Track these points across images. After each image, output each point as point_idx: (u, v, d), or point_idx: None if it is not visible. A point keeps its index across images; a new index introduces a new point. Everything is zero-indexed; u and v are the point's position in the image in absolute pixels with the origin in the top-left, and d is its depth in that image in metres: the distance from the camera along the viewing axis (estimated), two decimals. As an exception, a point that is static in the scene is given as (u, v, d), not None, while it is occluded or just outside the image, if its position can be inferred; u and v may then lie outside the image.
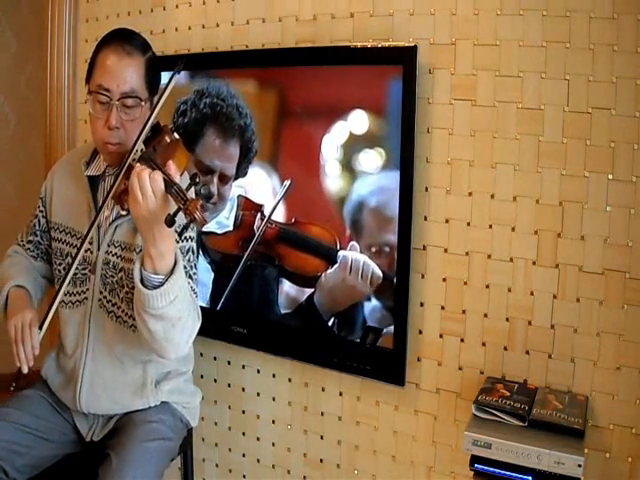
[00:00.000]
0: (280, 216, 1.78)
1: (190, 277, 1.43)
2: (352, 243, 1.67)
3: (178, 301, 1.28)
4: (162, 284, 1.26)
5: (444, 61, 1.56)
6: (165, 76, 1.37)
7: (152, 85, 1.45)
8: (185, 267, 1.40)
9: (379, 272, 1.64)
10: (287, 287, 1.79)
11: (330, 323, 1.73)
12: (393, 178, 1.58)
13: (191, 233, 1.46)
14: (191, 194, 1.17)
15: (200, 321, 1.43)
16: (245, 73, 1.82)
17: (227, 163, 1.84)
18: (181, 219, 1.17)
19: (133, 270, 1.29)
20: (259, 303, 1.84)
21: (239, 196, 1.84)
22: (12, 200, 3.02)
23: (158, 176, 1.20)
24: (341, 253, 1.68)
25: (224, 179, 1.85)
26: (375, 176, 1.63)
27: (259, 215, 1.80)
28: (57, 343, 1.60)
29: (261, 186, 1.80)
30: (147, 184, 1.19)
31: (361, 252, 1.66)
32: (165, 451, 1.49)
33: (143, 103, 1.42)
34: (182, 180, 1.24)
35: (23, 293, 1.52)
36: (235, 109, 1.81)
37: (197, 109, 1.87)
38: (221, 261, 1.88)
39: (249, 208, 1.83)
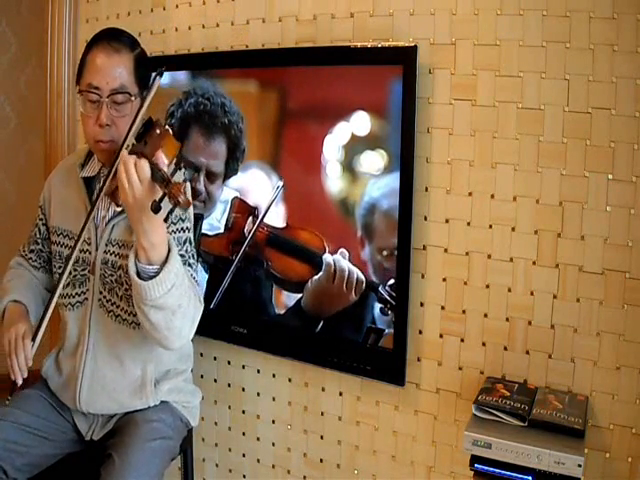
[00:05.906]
0: (277, 219, 1.78)
1: (190, 265, 1.44)
2: (341, 250, 1.67)
3: (175, 289, 1.28)
4: (157, 274, 1.26)
5: (444, 61, 1.56)
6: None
7: (142, 80, 1.46)
8: (183, 255, 1.41)
9: (363, 277, 1.64)
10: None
11: (318, 328, 1.73)
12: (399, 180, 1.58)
13: (187, 224, 1.47)
14: (178, 179, 1.17)
15: (202, 306, 1.42)
16: (245, 73, 1.82)
17: (213, 160, 1.84)
18: (167, 205, 1.16)
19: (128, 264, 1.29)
20: (253, 304, 1.84)
21: (234, 198, 1.84)
22: (12, 200, 3.02)
23: (144, 163, 1.20)
24: (325, 258, 1.68)
25: (212, 177, 1.86)
26: (385, 179, 1.61)
27: (251, 218, 1.81)
28: (59, 343, 1.60)
29: (259, 188, 1.79)
30: (132, 170, 1.20)
31: (349, 260, 1.66)
32: (166, 450, 1.49)
33: (133, 99, 1.43)
34: (171, 168, 1.25)
35: (19, 308, 1.54)
36: (220, 107, 1.82)
37: (182, 109, 1.89)
38: (214, 262, 1.89)
39: (242, 211, 1.83)
